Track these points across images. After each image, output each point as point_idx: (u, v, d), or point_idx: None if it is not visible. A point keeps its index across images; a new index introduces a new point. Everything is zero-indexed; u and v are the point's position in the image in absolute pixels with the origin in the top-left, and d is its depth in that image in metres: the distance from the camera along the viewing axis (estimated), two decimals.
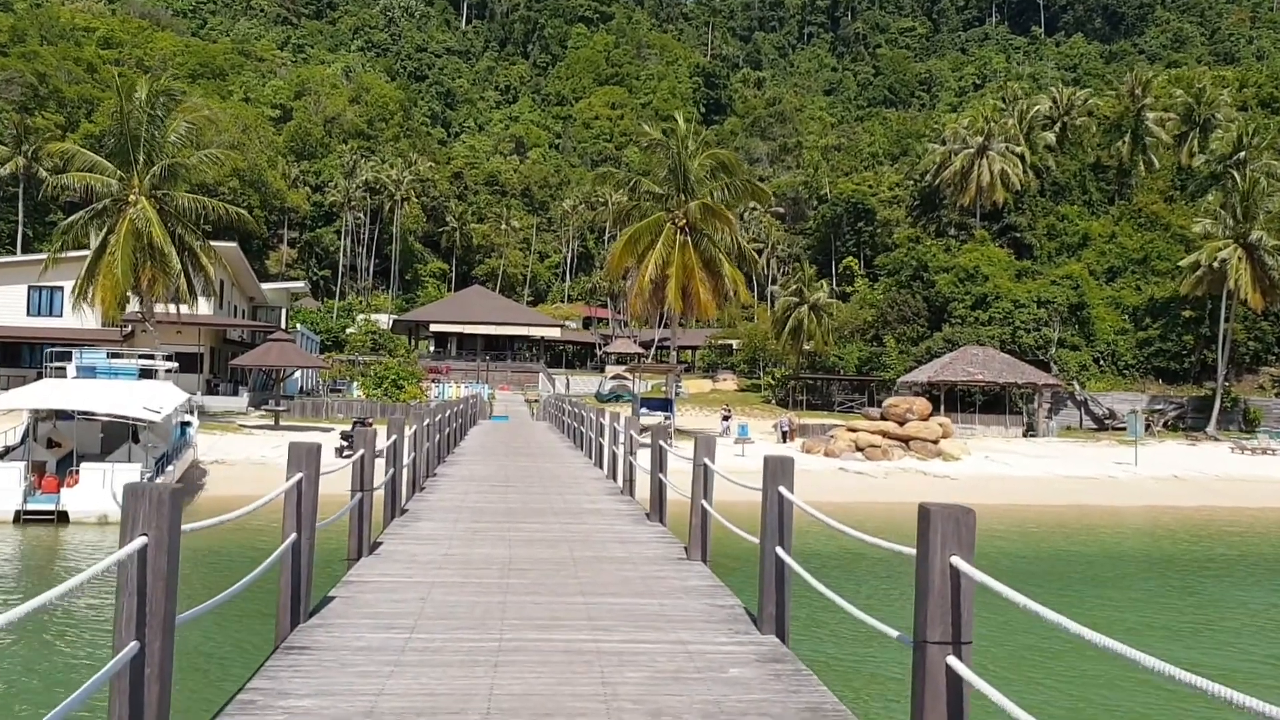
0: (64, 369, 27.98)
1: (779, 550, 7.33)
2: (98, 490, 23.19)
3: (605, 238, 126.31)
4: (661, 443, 12.80)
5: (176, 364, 33.67)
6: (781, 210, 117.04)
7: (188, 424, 30.00)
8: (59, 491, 23.48)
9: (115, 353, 29.83)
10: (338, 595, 8.30)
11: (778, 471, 7.45)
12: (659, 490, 13.16)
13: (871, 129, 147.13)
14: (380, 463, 11.60)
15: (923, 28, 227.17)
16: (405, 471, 14.48)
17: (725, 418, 50.77)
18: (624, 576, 9.53)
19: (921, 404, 41.21)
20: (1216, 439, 57.55)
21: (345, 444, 33.51)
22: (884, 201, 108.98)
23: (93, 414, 23.88)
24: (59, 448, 25.22)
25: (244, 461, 31.80)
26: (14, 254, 62.76)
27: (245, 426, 42.93)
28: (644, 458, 15.56)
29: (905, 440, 39.66)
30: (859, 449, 38.97)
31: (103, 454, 25.37)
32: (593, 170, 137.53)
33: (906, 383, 60.03)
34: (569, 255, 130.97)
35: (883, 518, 26.76)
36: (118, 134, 39.34)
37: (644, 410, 41.32)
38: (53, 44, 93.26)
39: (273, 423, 43.94)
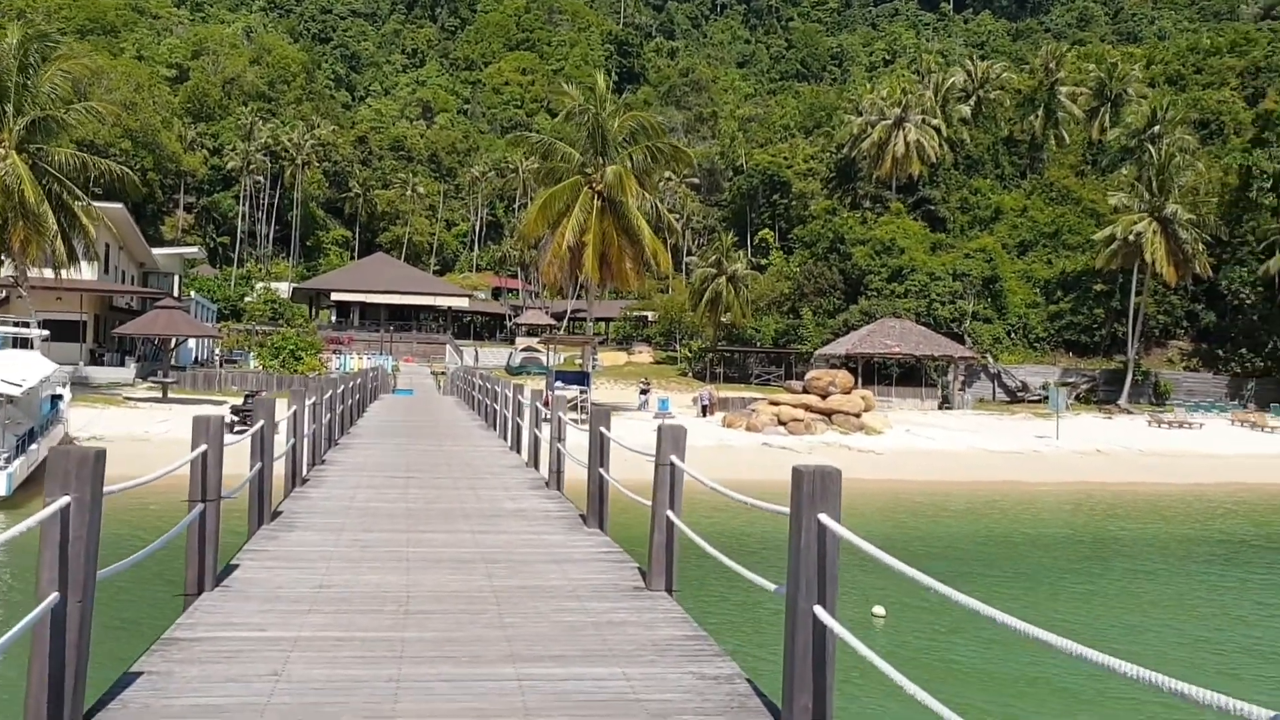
0: None
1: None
2: None
3: (516, 206, 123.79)
4: (602, 430, 10.59)
5: (47, 332, 30.82)
6: (697, 181, 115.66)
7: (59, 397, 27.22)
8: None
9: None
10: (145, 672, 5.52)
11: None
12: (599, 487, 10.61)
13: (784, 102, 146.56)
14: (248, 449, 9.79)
15: (834, 2, 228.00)
16: (285, 460, 12.21)
17: (643, 391, 49.25)
18: (567, 624, 6.85)
19: (844, 377, 40.18)
20: (1130, 412, 57.92)
21: (235, 419, 31.06)
22: (799, 174, 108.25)
23: None
24: None
25: (124, 438, 29.12)
26: None
27: (130, 399, 40.03)
28: (572, 443, 13.68)
29: (828, 414, 38.59)
30: (781, 423, 37.76)
31: None
32: (503, 137, 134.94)
33: (824, 355, 59.23)
34: (478, 224, 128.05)
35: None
36: None
37: (559, 384, 39.48)
38: None
39: (160, 395, 41.08)
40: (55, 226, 36.28)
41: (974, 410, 57.02)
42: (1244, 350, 66.46)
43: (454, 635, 6.50)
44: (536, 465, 15.73)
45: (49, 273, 38.54)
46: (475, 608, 7.21)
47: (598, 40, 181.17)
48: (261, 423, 10.10)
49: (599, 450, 10.82)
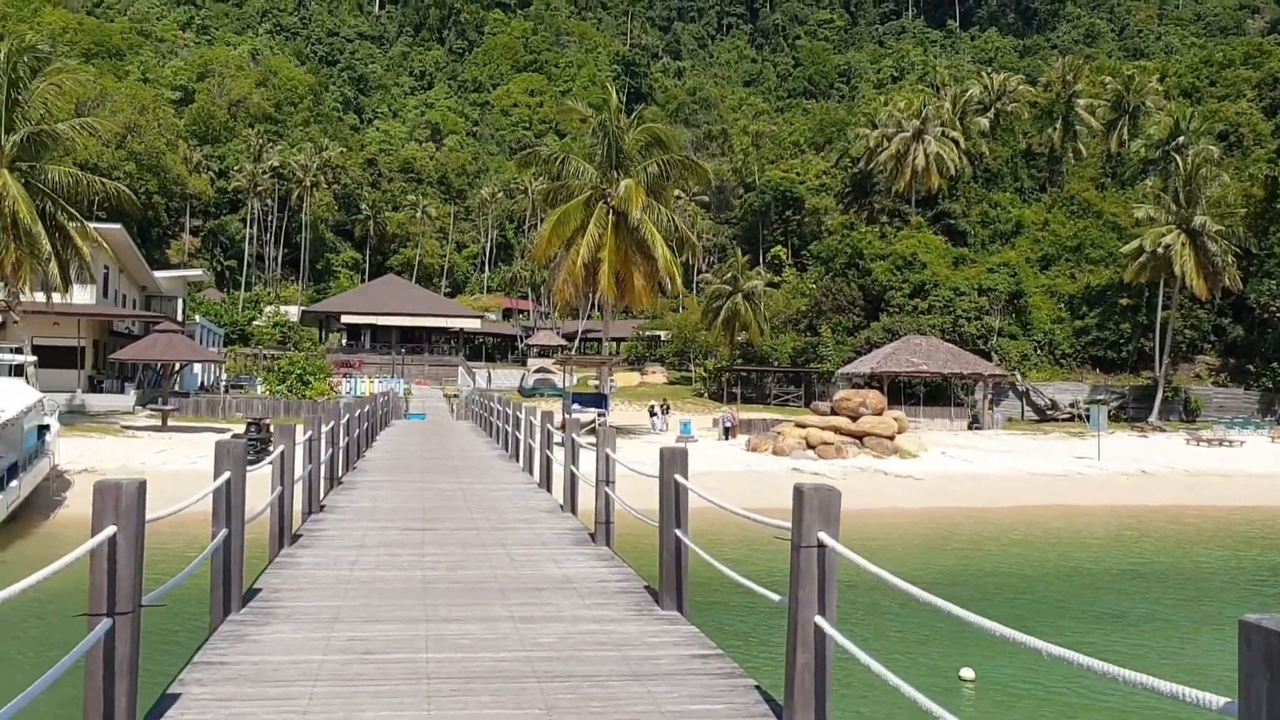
0: None
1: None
2: None
3: (525, 227, 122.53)
4: (678, 477, 8.00)
5: (34, 358, 29.20)
6: (706, 198, 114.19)
7: (46, 428, 25.49)
8: None
9: None
10: (181, 694, 5.66)
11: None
12: (675, 554, 7.97)
13: (793, 119, 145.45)
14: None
15: (841, 20, 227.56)
16: (270, 513, 9.96)
17: (653, 413, 47.37)
18: None
19: (875, 397, 38.31)
20: (1163, 429, 55.98)
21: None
22: (812, 189, 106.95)
23: None
24: None
25: (118, 470, 27.46)
26: None
27: (129, 428, 38.37)
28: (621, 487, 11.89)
29: (859, 437, 36.71)
30: (810, 446, 35.90)
31: None
32: (512, 158, 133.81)
33: (846, 374, 57.43)
34: (488, 245, 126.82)
35: (856, 528, 23.57)
36: None
37: (576, 406, 37.73)
38: None
39: (160, 424, 39.41)
40: (49, 248, 34.69)
41: (1005, 430, 55.12)
42: (1275, 365, 64.49)
43: None
44: (573, 509, 13.39)
45: (41, 296, 36.95)
46: None
47: (605, 61, 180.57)
48: (226, 474, 8.53)
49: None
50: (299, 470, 11.48)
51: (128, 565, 4.86)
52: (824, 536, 5.00)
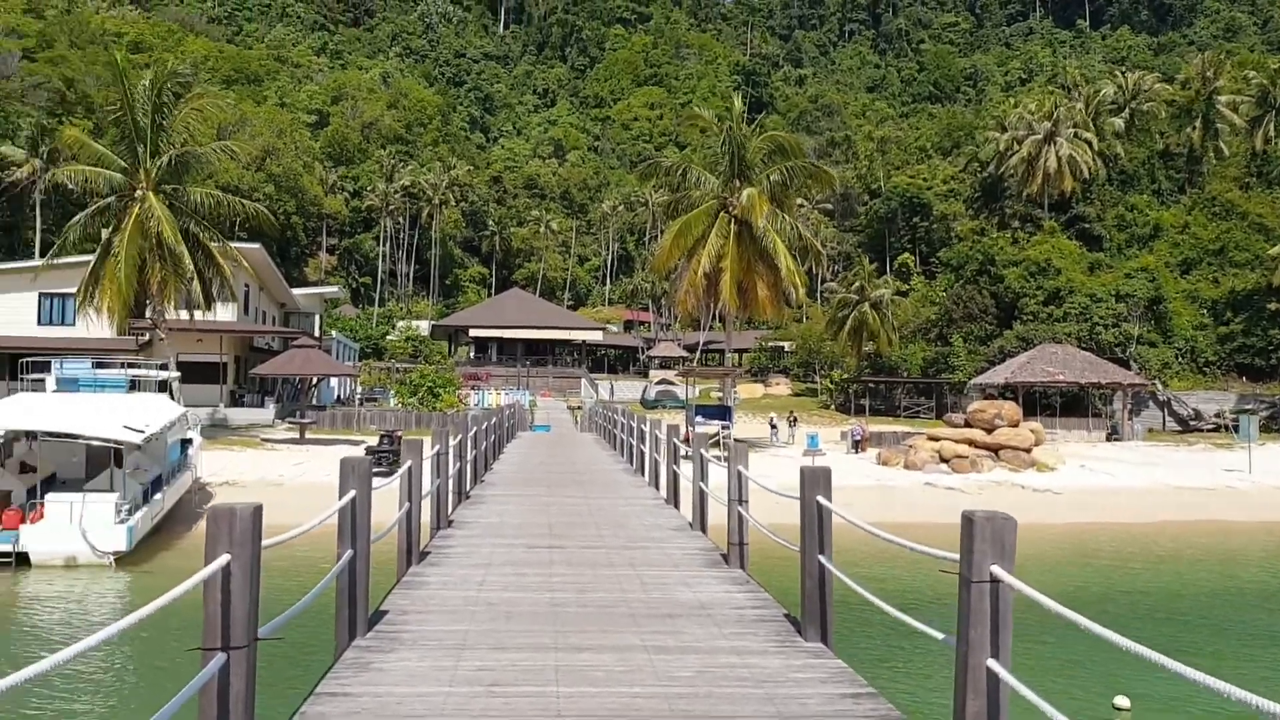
0: (43, 381, 24.63)
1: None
2: (64, 527, 19.32)
3: (646, 239, 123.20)
4: (820, 499, 7.56)
5: (178, 374, 30.40)
6: (830, 206, 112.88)
7: (189, 442, 26.46)
8: (20, 529, 19.69)
9: (100, 362, 26.42)
10: None
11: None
12: (819, 582, 7.61)
13: (918, 124, 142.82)
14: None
15: (966, 23, 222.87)
16: (398, 530, 9.77)
17: (773, 425, 46.65)
18: None
19: (1010, 408, 37.03)
20: None
21: (371, 458, 30.05)
22: (940, 195, 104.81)
23: (58, 435, 20.36)
24: (33, 473, 21.71)
25: (258, 483, 28.37)
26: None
27: (268, 441, 39.69)
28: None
29: (995, 449, 35.51)
30: (944, 460, 34.91)
31: (86, 478, 21.82)
32: (632, 171, 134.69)
33: (979, 385, 55.79)
34: (609, 258, 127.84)
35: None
36: (121, 122, 36.16)
37: (699, 418, 37.50)
38: (81, 49, 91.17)
39: (298, 436, 40.65)
40: (192, 267, 36.17)
41: (1146, 441, 52.72)
42: None
43: None
44: (703, 527, 12.90)
45: (184, 314, 38.52)
46: None
47: (725, 72, 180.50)
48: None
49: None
50: (427, 485, 11.45)
51: (242, 596, 4.69)
52: (998, 571, 4.65)
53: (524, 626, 7.77)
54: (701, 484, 12.73)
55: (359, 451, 33.58)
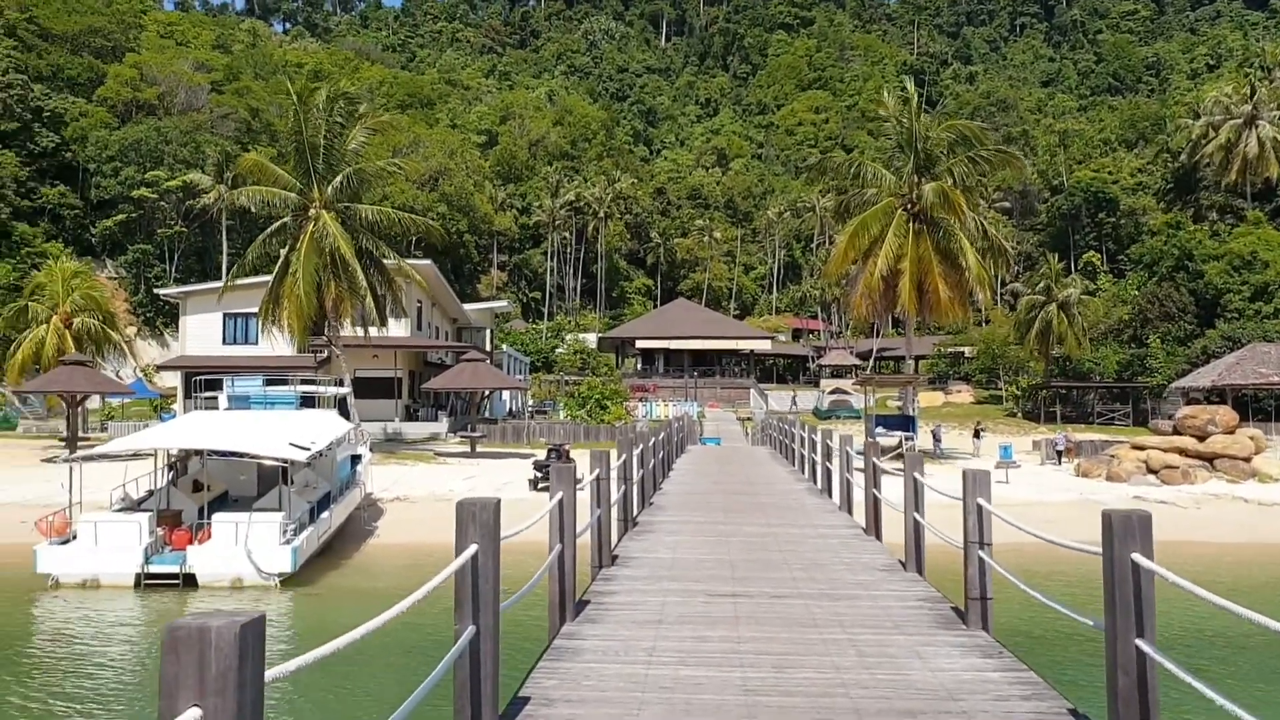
0: (215, 399, 24.83)
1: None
2: (229, 548, 19.05)
3: (813, 245, 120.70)
4: (1142, 562, 5.19)
5: (350, 390, 30.46)
6: (1008, 204, 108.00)
7: (358, 457, 26.27)
8: (187, 549, 19.53)
9: (272, 380, 26.55)
10: (532, 696, 6.32)
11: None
12: (1139, 675, 5.22)
13: (1098, 117, 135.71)
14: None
15: (1146, 10, 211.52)
16: (549, 576, 8.10)
17: (978, 435, 43.90)
18: None
19: (1226, 414, 33.66)
20: None
21: (539, 474, 29.35)
22: (1127, 189, 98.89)
23: (224, 453, 20.22)
24: (206, 491, 21.75)
25: (428, 497, 28.06)
26: None
27: (440, 455, 39.76)
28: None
29: (1208, 459, 32.32)
30: (1151, 471, 31.93)
31: (258, 496, 21.75)
32: (798, 177, 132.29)
33: (1180, 388, 51.66)
34: (775, 266, 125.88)
35: (1226, 567, 20.16)
36: (296, 143, 36.91)
37: (880, 429, 35.48)
38: (265, 80, 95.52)
39: (469, 450, 40.60)
40: (365, 283, 36.53)
41: None
42: None
43: None
44: (918, 568, 10.75)
45: (358, 330, 39.02)
46: None
47: (892, 72, 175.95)
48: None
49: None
50: (584, 518, 9.58)
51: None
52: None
53: None
54: (916, 515, 10.64)
55: (528, 465, 33.03)
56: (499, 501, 5.47)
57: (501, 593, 5.74)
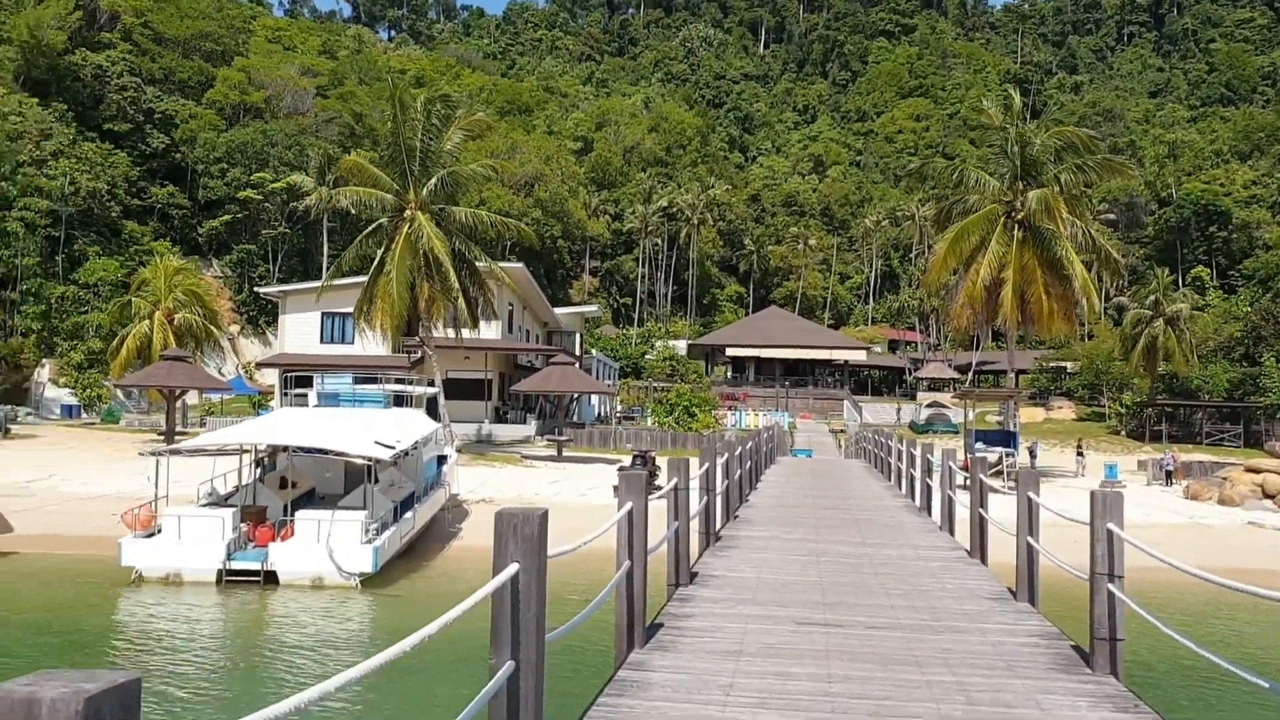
0: (305, 396, 24.94)
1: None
2: (311, 546, 18.86)
3: (911, 254, 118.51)
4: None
5: (440, 390, 30.42)
6: (1113, 216, 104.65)
7: (444, 458, 26.15)
8: (269, 546, 19.46)
9: (361, 379, 26.63)
10: None
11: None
12: None
13: (1210, 128, 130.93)
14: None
15: (1263, 18, 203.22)
16: (618, 597, 7.40)
17: (1080, 452, 42.27)
18: None
19: None
20: None
21: None
22: (1240, 202, 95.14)
23: (309, 450, 20.15)
24: (293, 488, 21.77)
25: (513, 500, 27.83)
26: None
27: (526, 457, 39.65)
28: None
29: None
30: (1268, 495, 30.24)
31: (344, 494, 21.69)
32: (896, 185, 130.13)
33: None
34: (872, 275, 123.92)
35: None
36: (393, 144, 37.23)
37: (979, 445, 34.27)
38: (369, 85, 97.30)
39: (555, 453, 40.43)
40: (457, 284, 36.61)
41: None
42: None
43: None
44: (1030, 597, 9.84)
45: (450, 332, 39.17)
46: None
47: (994, 80, 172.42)
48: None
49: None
50: (654, 535, 8.32)
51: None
52: None
53: None
54: (1030, 539, 9.74)
55: (613, 471, 32.66)
56: (545, 512, 4.68)
57: (561, 611, 5.21)
